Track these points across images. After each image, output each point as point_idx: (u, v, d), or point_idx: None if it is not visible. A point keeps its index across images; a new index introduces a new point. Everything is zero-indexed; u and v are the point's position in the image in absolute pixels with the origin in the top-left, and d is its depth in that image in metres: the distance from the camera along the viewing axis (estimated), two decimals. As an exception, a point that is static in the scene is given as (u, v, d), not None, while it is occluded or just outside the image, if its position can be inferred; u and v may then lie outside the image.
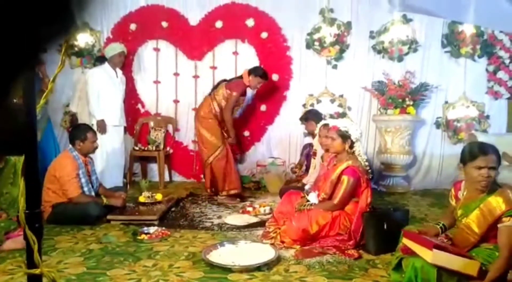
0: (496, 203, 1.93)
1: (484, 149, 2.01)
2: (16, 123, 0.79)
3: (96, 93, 4.30)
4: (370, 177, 2.95)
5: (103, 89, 4.34)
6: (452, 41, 4.87)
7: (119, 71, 4.57)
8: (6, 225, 2.65)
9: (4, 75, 0.47)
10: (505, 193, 1.96)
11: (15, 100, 2.70)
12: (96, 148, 3.50)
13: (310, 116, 4.15)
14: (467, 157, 2.03)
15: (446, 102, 4.98)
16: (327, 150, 3.30)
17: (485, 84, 4.90)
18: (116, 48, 4.48)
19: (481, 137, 4.18)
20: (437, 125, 5.01)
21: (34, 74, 0.95)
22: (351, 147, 2.86)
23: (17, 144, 0.80)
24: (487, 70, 4.88)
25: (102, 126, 4.28)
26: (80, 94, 4.75)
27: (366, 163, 2.90)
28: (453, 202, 2.23)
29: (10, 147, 0.81)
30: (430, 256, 1.85)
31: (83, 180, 3.34)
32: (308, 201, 2.91)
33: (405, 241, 2.08)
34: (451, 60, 4.93)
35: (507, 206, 1.90)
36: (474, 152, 2.00)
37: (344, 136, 2.84)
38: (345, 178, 2.75)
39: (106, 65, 4.46)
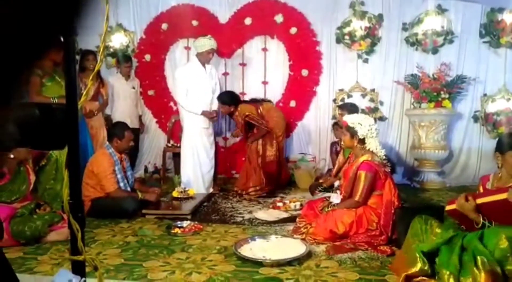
0: None
1: None
2: (55, 120, 0.84)
3: (184, 91, 4.15)
4: (389, 169, 2.89)
5: (190, 87, 4.16)
6: (491, 31, 4.66)
7: (208, 66, 4.26)
8: (50, 218, 2.80)
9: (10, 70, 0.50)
10: None
11: (54, 100, 2.87)
12: (132, 146, 3.64)
13: (348, 108, 3.95)
14: (506, 145, 2.01)
15: (485, 95, 4.78)
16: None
17: (527, 75, 4.66)
18: (205, 45, 4.12)
19: (523, 131, 3.98)
20: (475, 119, 4.81)
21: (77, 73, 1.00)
22: (363, 142, 2.84)
23: (57, 139, 0.85)
24: (529, 60, 4.63)
25: (207, 114, 4.21)
26: (116, 96, 4.90)
27: (384, 157, 2.86)
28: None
29: (51, 142, 0.86)
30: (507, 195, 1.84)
31: (119, 176, 3.47)
32: (331, 202, 2.94)
33: (448, 207, 2.10)
34: (490, 51, 4.72)
35: None
36: None
37: (352, 132, 2.85)
38: (362, 173, 2.74)
39: (195, 60, 4.23)
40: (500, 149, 2.06)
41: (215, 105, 4.38)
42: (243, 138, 4.65)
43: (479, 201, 1.92)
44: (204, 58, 4.18)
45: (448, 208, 2.11)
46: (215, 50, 4.27)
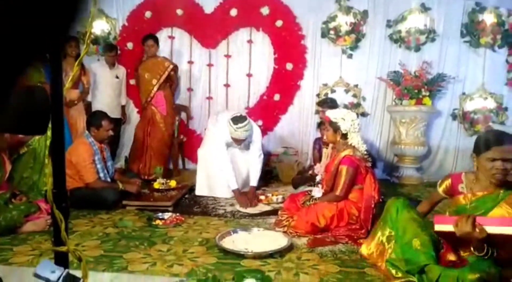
0: None
1: (500, 139, 1.80)
2: (37, 103, 0.80)
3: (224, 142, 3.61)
4: (370, 164, 2.94)
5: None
6: (471, 31, 4.76)
7: (243, 148, 3.72)
8: (26, 208, 2.72)
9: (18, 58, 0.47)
10: None
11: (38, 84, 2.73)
12: (111, 136, 3.54)
13: (328, 104, 3.91)
14: (481, 147, 1.85)
15: (464, 93, 4.90)
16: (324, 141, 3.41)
17: (504, 76, 4.80)
18: (231, 132, 3.47)
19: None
20: (454, 117, 4.93)
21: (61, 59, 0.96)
22: (345, 137, 2.88)
23: (39, 123, 0.82)
24: (507, 61, 4.77)
25: (237, 195, 3.52)
26: (97, 85, 4.77)
27: (365, 152, 2.90)
28: (440, 190, 2.15)
29: (32, 127, 0.82)
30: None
31: (98, 166, 3.40)
32: (312, 196, 2.97)
33: (440, 227, 1.84)
34: (470, 50, 4.83)
35: None
36: (489, 142, 1.81)
37: (335, 127, 2.88)
38: (343, 168, 2.78)
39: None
40: (475, 150, 1.90)
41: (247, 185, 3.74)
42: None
43: (488, 230, 1.64)
44: (235, 141, 3.58)
45: (439, 229, 1.81)
46: (243, 140, 3.53)
